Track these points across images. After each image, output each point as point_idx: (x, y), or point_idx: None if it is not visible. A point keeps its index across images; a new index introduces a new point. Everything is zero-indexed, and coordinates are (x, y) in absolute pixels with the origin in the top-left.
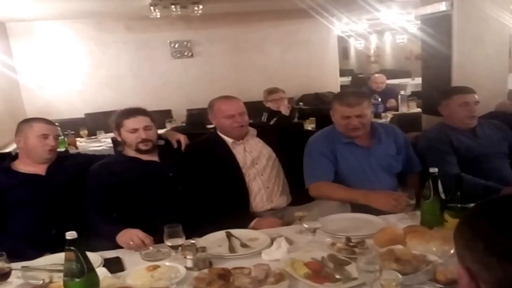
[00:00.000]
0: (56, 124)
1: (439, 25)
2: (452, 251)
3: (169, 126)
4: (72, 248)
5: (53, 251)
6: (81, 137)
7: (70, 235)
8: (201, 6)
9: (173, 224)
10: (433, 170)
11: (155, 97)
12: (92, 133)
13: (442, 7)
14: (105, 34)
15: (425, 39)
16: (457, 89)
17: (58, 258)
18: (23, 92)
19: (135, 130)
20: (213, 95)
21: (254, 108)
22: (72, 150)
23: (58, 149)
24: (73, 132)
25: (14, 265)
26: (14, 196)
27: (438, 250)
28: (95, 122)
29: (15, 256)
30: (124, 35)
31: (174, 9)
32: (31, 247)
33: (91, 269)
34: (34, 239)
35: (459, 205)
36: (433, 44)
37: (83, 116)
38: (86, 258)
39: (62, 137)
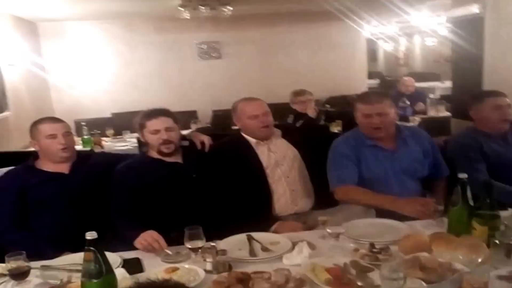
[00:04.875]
0: (83, 123)
1: (471, 28)
2: (479, 260)
3: (194, 126)
4: (91, 248)
5: (76, 250)
6: (107, 136)
7: (90, 235)
8: (230, 7)
9: (194, 226)
10: (462, 175)
11: (181, 98)
12: (118, 133)
13: (474, 9)
14: (134, 35)
15: (456, 42)
16: (489, 92)
17: (78, 257)
18: (52, 91)
19: (156, 132)
20: (239, 97)
21: (280, 110)
22: (98, 150)
23: (84, 148)
24: (99, 131)
25: (33, 263)
26: (38, 194)
27: (465, 258)
28: (122, 122)
29: (36, 254)
30: (153, 35)
31: (203, 10)
32: (52, 246)
33: (110, 270)
34: (57, 237)
35: (488, 212)
36: (464, 46)
37: (110, 115)
38: (105, 259)
39: (89, 136)
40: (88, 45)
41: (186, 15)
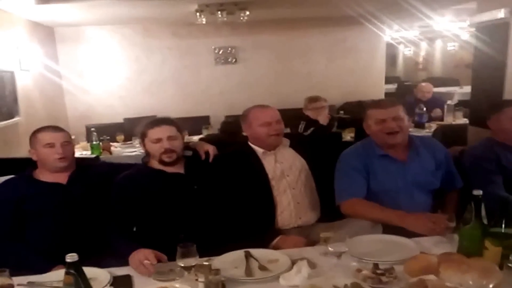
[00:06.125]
0: (92, 129)
1: (495, 33)
2: (490, 286)
3: (205, 132)
4: (71, 271)
5: None
6: (117, 142)
7: (70, 257)
8: (247, 12)
9: (186, 243)
10: (477, 192)
11: (196, 103)
12: (128, 138)
13: (500, 14)
14: (151, 40)
15: (479, 47)
16: (509, 102)
17: None
18: (66, 97)
19: (158, 140)
20: (254, 102)
21: (295, 116)
22: (106, 155)
23: (92, 155)
24: (108, 137)
25: (24, 278)
26: (34, 205)
27: (475, 283)
28: (133, 127)
29: (29, 268)
30: (170, 41)
31: (220, 15)
32: (46, 259)
33: None
34: (53, 249)
35: (502, 231)
36: (487, 52)
37: (122, 121)
38: (85, 282)
39: (97, 142)
40: (104, 50)
41: (203, 20)
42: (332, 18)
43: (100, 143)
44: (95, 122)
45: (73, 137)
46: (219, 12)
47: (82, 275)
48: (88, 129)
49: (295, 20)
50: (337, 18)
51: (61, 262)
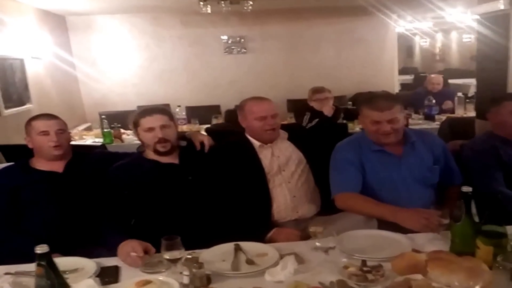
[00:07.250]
0: (103, 116)
1: (496, 25)
2: (477, 287)
3: (214, 121)
4: (42, 263)
5: (67, 251)
6: (130, 129)
7: (40, 249)
8: (250, 2)
9: (171, 235)
10: (467, 189)
11: (206, 92)
12: None
13: (500, 5)
14: (161, 29)
15: (481, 39)
16: (508, 95)
17: (62, 262)
18: (80, 85)
19: (151, 129)
20: (263, 92)
21: (304, 107)
22: (118, 143)
23: (103, 142)
24: (119, 125)
25: (13, 267)
26: (30, 194)
27: (461, 284)
28: None
29: (25, 256)
30: (180, 30)
31: (223, 5)
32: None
33: (63, 285)
34: (48, 238)
35: (495, 230)
36: (489, 44)
37: (135, 108)
38: (57, 274)
39: (108, 129)
40: (115, 38)
41: (207, 9)
42: (341, 8)
43: (111, 131)
44: (110, 110)
45: (88, 124)
46: (222, 2)
47: (53, 266)
48: (100, 116)
49: (303, 10)
50: (346, 8)
51: (56, 251)
